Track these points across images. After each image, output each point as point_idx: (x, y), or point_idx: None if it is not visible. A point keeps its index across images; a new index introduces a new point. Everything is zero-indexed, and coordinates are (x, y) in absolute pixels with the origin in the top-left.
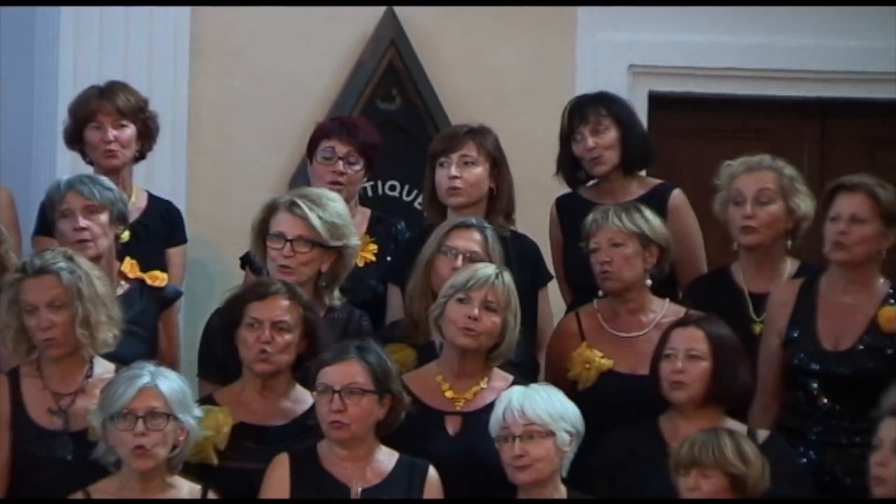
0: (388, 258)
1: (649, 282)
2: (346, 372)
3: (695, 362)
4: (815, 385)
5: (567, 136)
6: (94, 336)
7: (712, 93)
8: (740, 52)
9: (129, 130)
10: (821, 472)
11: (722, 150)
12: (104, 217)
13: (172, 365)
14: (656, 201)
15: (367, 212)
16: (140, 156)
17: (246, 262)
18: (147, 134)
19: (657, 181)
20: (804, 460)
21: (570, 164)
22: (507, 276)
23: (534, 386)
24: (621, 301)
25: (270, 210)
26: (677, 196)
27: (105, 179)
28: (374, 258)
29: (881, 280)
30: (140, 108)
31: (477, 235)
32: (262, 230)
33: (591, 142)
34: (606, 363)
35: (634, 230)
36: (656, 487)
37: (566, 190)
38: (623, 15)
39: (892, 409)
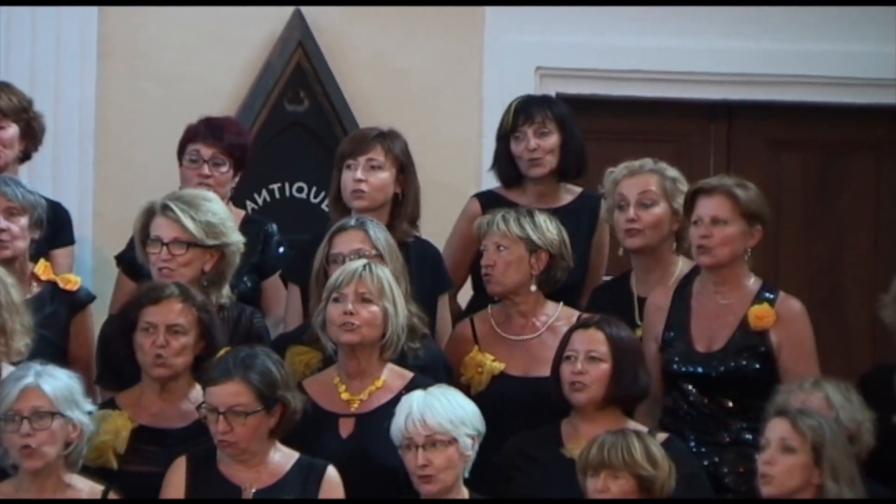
0: (254, 259)
1: (534, 287)
2: (228, 393)
3: (595, 364)
4: (691, 387)
5: (507, 134)
6: (8, 345)
7: (619, 95)
8: (647, 54)
9: (11, 130)
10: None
11: (629, 152)
12: (24, 220)
13: (87, 368)
14: (588, 209)
15: (241, 213)
16: (24, 156)
17: (121, 262)
18: (31, 134)
19: (580, 189)
20: None
21: (507, 162)
22: (378, 267)
23: (433, 390)
24: (512, 304)
25: (148, 215)
26: (605, 207)
27: (27, 183)
28: (242, 249)
29: (751, 279)
30: (23, 108)
31: (358, 234)
32: (143, 235)
33: (533, 143)
34: (498, 366)
35: (520, 235)
36: (550, 490)
37: (470, 192)
38: (530, 16)
39: (778, 408)
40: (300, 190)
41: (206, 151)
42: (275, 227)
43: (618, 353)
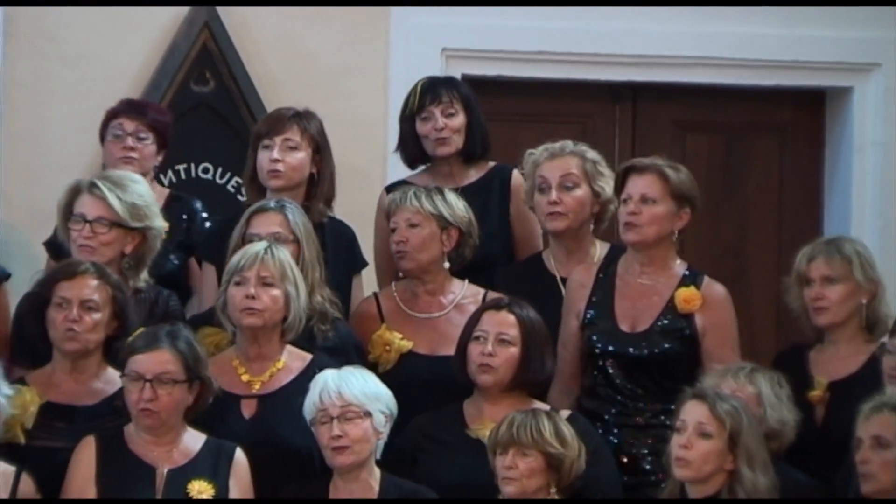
0: (179, 237)
1: (447, 265)
2: (157, 360)
3: (505, 347)
4: (612, 366)
5: (412, 115)
6: None
7: (525, 76)
8: (552, 35)
9: None
10: (620, 453)
11: (535, 134)
12: None
13: (4, 346)
14: (498, 182)
15: (165, 191)
16: None
17: (49, 247)
18: None
19: (492, 163)
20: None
21: (412, 143)
22: (279, 250)
23: (346, 368)
24: (419, 283)
25: (74, 192)
26: (518, 177)
27: None
28: (164, 236)
29: (677, 261)
30: None
31: (277, 217)
32: (67, 213)
33: (441, 122)
34: (406, 345)
35: (432, 212)
36: (454, 471)
37: (379, 174)
38: None
39: (696, 391)
40: (206, 171)
41: (130, 125)
42: (200, 203)
43: (528, 337)
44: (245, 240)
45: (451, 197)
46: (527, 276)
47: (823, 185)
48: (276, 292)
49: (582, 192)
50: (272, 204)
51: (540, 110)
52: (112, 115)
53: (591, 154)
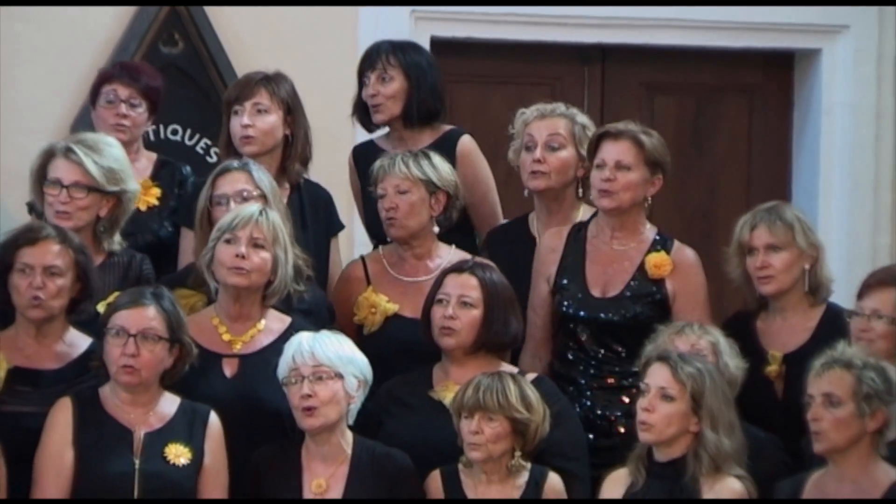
0: (172, 203)
1: (437, 228)
2: (142, 316)
3: (466, 309)
4: (583, 331)
5: (360, 79)
6: None
7: (494, 38)
8: None
9: None
10: (594, 417)
11: (504, 96)
12: None
13: None
14: (446, 147)
15: (153, 156)
16: None
17: (31, 209)
18: None
19: (448, 127)
20: (577, 407)
21: (361, 107)
22: (272, 213)
23: (323, 332)
24: (407, 247)
25: (48, 156)
26: (466, 142)
27: None
28: (157, 202)
29: (647, 226)
30: None
31: (241, 176)
32: (41, 176)
33: (373, 88)
34: (392, 307)
35: (420, 177)
36: (414, 431)
37: (349, 136)
38: None
39: (660, 354)
40: (174, 132)
41: (123, 91)
42: (188, 168)
43: (490, 299)
44: (212, 202)
45: (438, 160)
46: (510, 238)
47: (792, 146)
48: (265, 255)
49: (567, 153)
50: (235, 164)
51: (509, 72)
52: (105, 78)
53: (582, 118)
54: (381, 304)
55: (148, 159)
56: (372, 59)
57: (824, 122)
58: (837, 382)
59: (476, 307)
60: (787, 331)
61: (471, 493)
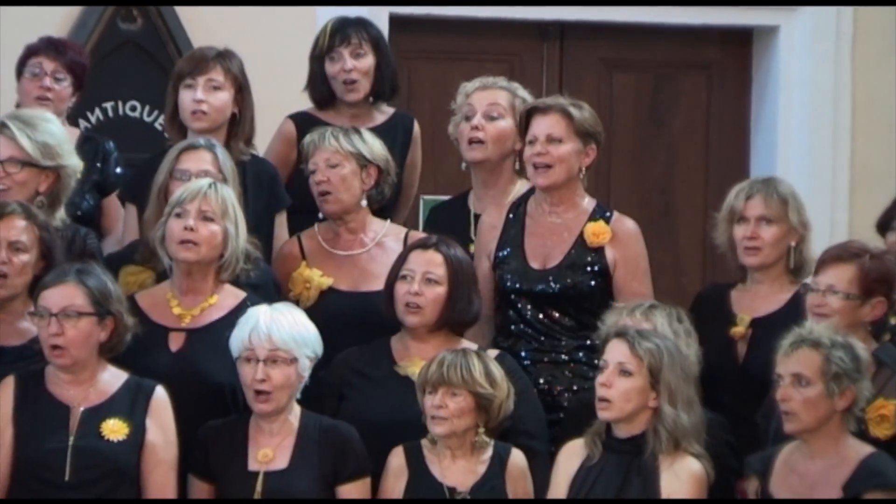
0: (94, 177)
1: (364, 202)
2: (63, 294)
3: (431, 286)
4: (525, 304)
5: (322, 55)
6: None
7: (452, 14)
8: None
9: None
10: (538, 391)
11: (462, 72)
12: None
13: None
14: (401, 129)
15: (76, 131)
16: None
17: None
18: None
19: (393, 109)
20: None
21: (321, 83)
22: (223, 188)
23: (278, 306)
24: (341, 222)
25: None
26: (418, 127)
27: None
28: (78, 176)
29: (586, 198)
30: None
31: (207, 155)
32: None
33: (349, 63)
34: (326, 281)
35: (351, 150)
36: (383, 407)
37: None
38: None
39: (618, 330)
40: (133, 108)
41: (49, 65)
42: (112, 144)
43: (455, 276)
44: (173, 176)
45: (369, 136)
46: (450, 213)
47: (750, 123)
48: (215, 228)
49: (505, 123)
50: (202, 142)
51: (467, 49)
52: (31, 52)
53: (522, 92)
54: (314, 278)
55: (71, 134)
56: (345, 34)
57: (782, 99)
58: (806, 363)
59: (441, 284)
60: (760, 298)
61: (434, 469)
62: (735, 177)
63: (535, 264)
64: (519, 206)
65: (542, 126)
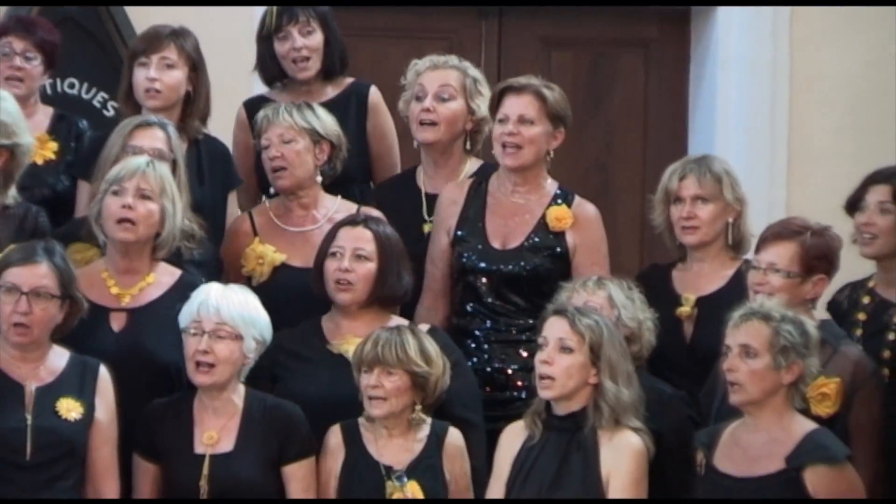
0: (69, 157)
1: (319, 178)
2: (34, 274)
3: (361, 262)
4: (483, 283)
5: (270, 35)
6: None
7: None
8: None
9: None
10: (491, 371)
11: (401, 50)
12: None
13: None
14: (356, 99)
15: (50, 110)
16: None
17: None
18: None
19: (349, 79)
20: (475, 360)
21: (271, 63)
22: (161, 166)
23: (233, 286)
24: (294, 198)
25: None
26: (375, 93)
27: None
28: (54, 156)
29: (549, 180)
30: None
31: (160, 133)
32: None
33: (299, 42)
34: (279, 257)
35: (305, 126)
36: (317, 385)
37: (248, 91)
38: None
39: (557, 307)
40: (71, 86)
41: (18, 44)
42: (85, 123)
43: (384, 252)
44: (125, 150)
45: (321, 111)
46: (397, 190)
47: (688, 101)
48: (153, 206)
49: (457, 104)
50: (155, 119)
51: (406, 26)
52: (1, 31)
53: (473, 72)
54: (267, 254)
55: (45, 113)
56: (293, 12)
57: (720, 77)
58: (754, 334)
59: (371, 260)
60: (702, 277)
61: (371, 448)
62: (673, 155)
63: (495, 244)
64: (480, 183)
65: (515, 106)
